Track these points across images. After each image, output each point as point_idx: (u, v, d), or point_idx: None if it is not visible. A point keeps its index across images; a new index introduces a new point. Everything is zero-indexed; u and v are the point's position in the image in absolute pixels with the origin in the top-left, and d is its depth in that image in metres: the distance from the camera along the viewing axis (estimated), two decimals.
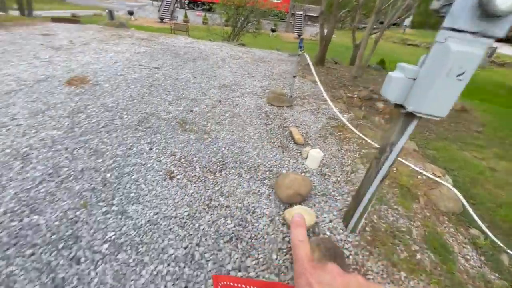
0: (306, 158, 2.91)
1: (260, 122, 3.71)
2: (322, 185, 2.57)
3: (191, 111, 3.74)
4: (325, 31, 8.05)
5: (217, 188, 2.34)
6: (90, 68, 4.78)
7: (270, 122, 3.76)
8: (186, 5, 30.83)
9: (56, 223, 1.78)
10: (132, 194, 2.10)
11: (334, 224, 2.08)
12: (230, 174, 2.57)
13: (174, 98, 4.06)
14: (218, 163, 2.69)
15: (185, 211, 2.04)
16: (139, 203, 2.03)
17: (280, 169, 2.74)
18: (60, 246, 1.66)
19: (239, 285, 0.41)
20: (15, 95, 3.45)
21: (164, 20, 25.90)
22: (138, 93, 4.02)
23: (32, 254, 1.59)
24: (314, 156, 2.76)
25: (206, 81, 4.99)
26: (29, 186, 2.04)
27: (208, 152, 2.85)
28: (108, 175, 2.26)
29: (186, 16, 27.04)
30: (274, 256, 1.76)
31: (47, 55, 5.16)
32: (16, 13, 14.89)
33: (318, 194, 2.44)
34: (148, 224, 1.88)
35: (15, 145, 2.49)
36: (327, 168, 2.88)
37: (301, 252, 0.34)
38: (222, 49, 8.36)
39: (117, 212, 1.93)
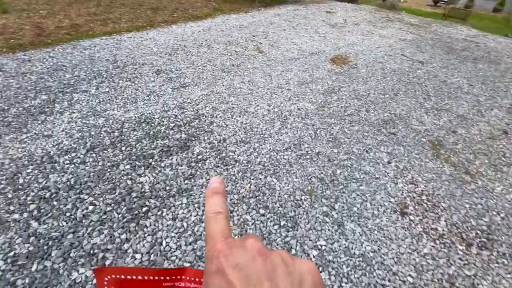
0: None
1: None
2: None
3: (454, 132, 2.72)
4: None
5: (467, 273, 1.51)
6: (353, 49, 4.72)
7: None
8: None
9: (285, 196, 1.87)
10: (355, 209, 1.81)
11: None
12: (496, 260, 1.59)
13: (433, 106, 3.14)
14: (479, 232, 1.76)
15: (408, 274, 1.48)
16: (358, 224, 1.71)
17: None
18: (282, 223, 1.73)
19: (132, 277, 0.29)
20: (294, 62, 4.05)
21: (438, 3, 21.63)
22: (392, 88, 3.47)
23: (262, 215, 1.77)
24: None
25: (489, 95, 3.47)
26: (279, 148, 2.30)
27: (466, 205, 1.93)
28: (338, 171, 2.09)
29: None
30: None
31: (324, 31, 5.68)
32: None
33: None
34: (359, 258, 1.53)
35: (282, 107, 2.90)
36: None
37: (214, 228, 0.25)
38: None
39: (335, 221, 1.73)
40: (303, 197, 1.86)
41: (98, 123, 2.43)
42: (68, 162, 2.01)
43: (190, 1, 7.88)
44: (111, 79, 3.16)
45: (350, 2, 9.16)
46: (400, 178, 2.09)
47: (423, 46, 5.21)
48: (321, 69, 3.86)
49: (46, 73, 3.22)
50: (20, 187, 1.81)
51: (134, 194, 1.80)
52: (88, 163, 2.01)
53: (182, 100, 2.86)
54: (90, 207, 1.70)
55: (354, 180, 2.03)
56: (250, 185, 1.93)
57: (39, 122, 2.41)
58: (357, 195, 1.91)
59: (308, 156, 2.24)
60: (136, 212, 1.70)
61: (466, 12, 16.27)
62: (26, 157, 2.04)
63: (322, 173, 2.08)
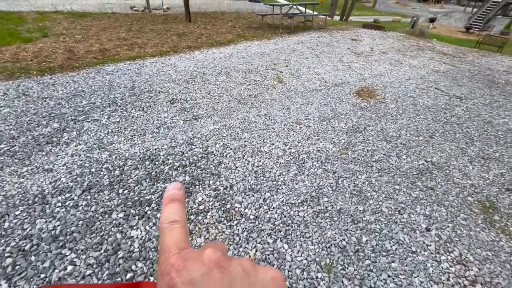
0: None
1: None
2: None
3: (509, 190, 2.23)
4: None
5: None
6: (381, 81, 4.37)
7: None
8: None
9: (297, 271, 1.51)
10: None
11: None
12: None
13: (479, 153, 2.67)
14: None
15: None
16: None
17: None
18: None
19: None
20: (315, 94, 3.78)
21: (471, 30, 20.72)
22: (427, 128, 3.05)
23: None
24: None
25: None
26: (293, 201, 1.97)
27: None
28: (365, 239, 1.71)
29: (509, 26, 19.82)
30: None
31: (349, 59, 5.40)
32: (337, 18, 18.09)
33: None
34: None
35: (299, 147, 2.60)
36: None
37: (168, 239, 0.22)
38: None
39: None
40: (319, 275, 1.49)
41: (101, 158, 2.27)
42: (60, 204, 1.83)
43: (215, 28, 8.05)
44: (124, 108, 3.07)
45: (376, 29, 8.90)
46: (444, 254, 1.65)
47: (459, 79, 4.74)
48: (344, 103, 3.54)
49: (65, 98, 3.21)
50: (3, 233, 1.63)
51: (121, 254, 1.54)
52: (81, 208, 1.81)
53: (192, 134, 2.66)
54: (69, 268, 1.46)
55: (384, 253, 1.63)
56: (256, 251, 1.60)
57: (44, 153, 2.30)
58: (389, 276, 1.51)
59: (327, 214, 1.88)
60: (119, 278, 1.44)
61: (502, 40, 15.35)
62: (20, 195, 1.89)
63: (344, 239, 1.70)
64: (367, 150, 2.60)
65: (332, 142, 2.69)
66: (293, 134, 2.80)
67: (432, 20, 23.00)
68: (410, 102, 3.69)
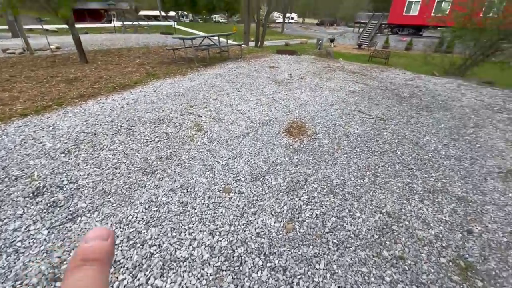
0: None
1: None
2: None
3: (470, 233, 1.99)
4: None
5: None
6: (307, 111, 4.15)
7: None
8: (389, 30, 28.07)
9: None
10: None
11: None
12: None
13: (424, 187, 2.47)
14: None
15: None
16: None
17: None
18: None
19: None
20: (243, 140, 3.20)
21: (362, 46, 24.76)
22: (368, 164, 2.78)
23: None
24: None
25: (470, 157, 2.99)
26: None
27: None
28: None
29: (387, 41, 24.47)
30: None
31: (272, 90, 5.14)
32: (253, 44, 18.95)
33: None
34: None
35: (231, 234, 1.88)
36: None
37: None
38: (461, 90, 5.77)
39: None
40: None
41: None
42: None
43: (120, 67, 6.95)
44: None
45: (290, 54, 9.30)
46: None
47: (374, 97, 4.96)
48: (277, 147, 3.05)
49: None
50: None
51: None
52: None
53: (59, 259, 1.65)
54: None
55: None
56: None
57: None
58: None
59: None
60: None
61: (386, 53, 18.54)
62: None
63: None
64: (316, 215, 2.07)
65: (273, 213, 2.08)
66: (221, 211, 2.08)
67: (332, 40, 26.60)
68: (341, 132, 3.47)
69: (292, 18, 65.81)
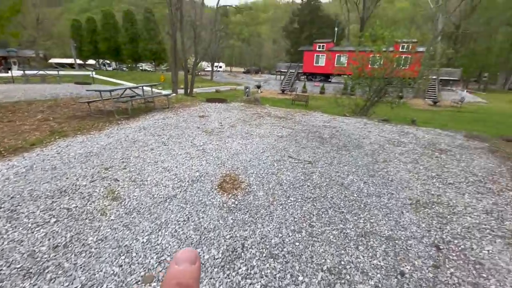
0: None
1: None
2: None
3: (402, 274, 2.05)
4: None
5: None
6: (240, 161, 4.09)
7: None
8: (305, 77, 32.77)
9: None
10: None
11: None
12: None
13: (356, 231, 2.55)
14: None
15: None
16: None
17: None
18: None
19: None
20: (169, 205, 2.82)
21: (285, 92, 27.92)
22: (303, 215, 2.76)
23: None
24: None
25: (386, 192, 3.34)
26: None
27: None
28: None
29: (304, 87, 28.35)
30: None
31: (202, 141, 4.98)
32: (182, 91, 19.05)
33: None
34: None
35: None
36: None
37: None
38: (368, 128, 6.82)
39: None
40: None
41: None
42: None
43: (13, 125, 5.74)
44: None
45: (220, 102, 9.58)
46: None
47: (300, 140, 5.33)
48: (209, 209, 2.78)
49: None
50: None
51: None
52: None
53: None
54: None
55: None
56: None
57: None
58: None
59: None
60: None
61: (306, 97, 21.21)
62: None
63: None
64: None
65: None
66: None
67: (258, 87, 29.20)
68: (274, 181, 3.47)
69: (221, 67, 70.58)
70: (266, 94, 27.03)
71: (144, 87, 8.12)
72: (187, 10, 23.16)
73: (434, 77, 23.26)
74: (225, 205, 2.87)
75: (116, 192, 3.02)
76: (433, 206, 3.03)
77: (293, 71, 31.81)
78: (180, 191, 3.11)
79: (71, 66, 40.07)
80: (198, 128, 5.92)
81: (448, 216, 2.83)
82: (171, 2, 13.90)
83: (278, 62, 44.81)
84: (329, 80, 31.60)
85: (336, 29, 37.58)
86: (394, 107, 11.77)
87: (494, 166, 4.39)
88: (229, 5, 20.35)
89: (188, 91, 16.36)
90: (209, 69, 45.33)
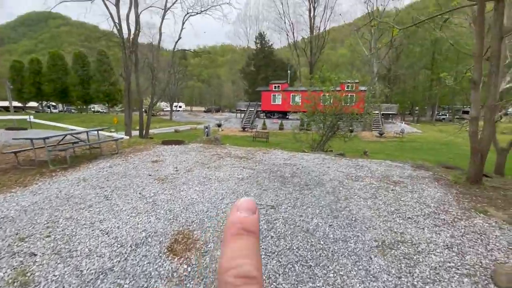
0: None
1: None
2: None
3: None
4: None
5: None
6: (195, 213, 3.66)
7: None
8: (264, 115, 34.18)
9: None
10: None
11: None
12: None
13: None
14: None
15: None
16: None
17: None
18: None
19: None
20: (102, 283, 2.23)
21: (246, 129, 28.47)
22: (268, 275, 2.41)
23: None
24: None
25: (352, 234, 3.20)
26: None
27: None
28: None
29: (264, 124, 29.37)
30: None
31: (153, 191, 4.45)
32: (137, 132, 18.03)
33: None
34: None
35: None
36: None
37: None
38: (326, 163, 6.98)
39: None
40: None
41: None
42: None
43: None
44: None
45: (177, 144, 9.13)
46: None
47: (262, 182, 5.13)
48: (155, 281, 2.27)
49: None
50: None
51: None
52: None
53: None
54: None
55: None
56: None
57: None
58: None
59: None
60: None
61: (266, 133, 21.75)
62: None
63: None
64: None
65: None
66: None
67: (219, 125, 29.37)
68: None
69: (181, 107, 70.36)
70: (228, 132, 27.20)
71: (92, 131, 7.37)
72: (144, 53, 23.27)
73: (376, 112, 26.18)
74: (175, 274, 2.38)
75: (29, 273, 2.34)
76: (399, 246, 2.95)
77: (253, 109, 33.08)
78: (119, 261, 2.55)
79: (6, 109, 36.01)
80: (150, 175, 5.37)
81: (415, 257, 2.75)
82: (125, 45, 13.78)
83: (238, 101, 46.52)
84: (287, 117, 33.40)
85: (289, 71, 41.18)
86: (347, 140, 12.59)
87: (442, 195, 4.67)
88: (187, 50, 21.00)
89: (144, 133, 15.53)
90: (168, 109, 44.79)
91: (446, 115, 50.54)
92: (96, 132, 7.92)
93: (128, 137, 13.40)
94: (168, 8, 15.82)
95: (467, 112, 49.30)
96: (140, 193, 4.32)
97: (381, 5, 34.95)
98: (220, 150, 8.58)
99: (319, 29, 47.71)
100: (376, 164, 7.08)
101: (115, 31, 13.48)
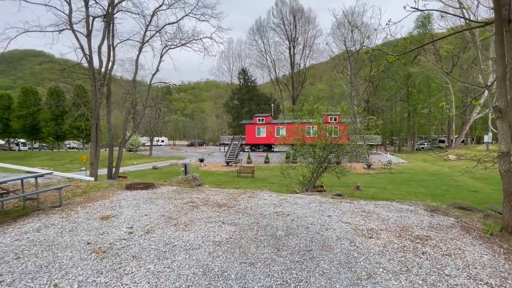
0: None
1: None
2: None
3: None
4: None
5: None
6: None
7: None
8: (249, 148, 33.15)
9: None
10: None
11: None
12: None
13: None
14: None
15: None
16: None
17: None
18: None
19: None
20: None
21: (230, 164, 27.03)
22: None
23: None
24: None
25: None
26: None
27: None
28: None
29: (249, 157, 28.16)
30: None
31: (79, 278, 2.88)
32: (105, 171, 16.10)
33: None
34: None
35: None
36: None
37: None
38: (326, 210, 5.69)
39: None
40: None
41: None
42: None
43: None
44: None
45: (144, 189, 7.56)
46: None
47: (246, 248, 3.71)
48: None
49: None
50: None
51: None
52: None
53: None
54: None
55: None
56: None
57: None
58: None
59: None
60: None
61: (251, 168, 20.36)
62: None
63: None
64: None
65: None
66: None
67: (201, 160, 27.76)
68: None
69: (163, 141, 68.32)
70: (211, 167, 25.60)
71: (22, 180, 5.73)
72: (122, 86, 22.24)
73: (362, 143, 25.93)
74: None
75: None
76: None
77: (237, 142, 32.07)
78: None
79: None
80: (89, 244, 3.79)
81: None
82: (95, 77, 12.63)
83: (222, 134, 45.62)
84: (272, 149, 32.55)
85: (272, 105, 41.52)
86: (339, 176, 11.52)
87: (490, 258, 3.46)
88: (171, 84, 20.11)
89: (113, 173, 13.70)
90: (148, 143, 42.86)
91: (425, 144, 52.11)
92: (37, 178, 6.26)
93: (92, 179, 11.58)
94: (146, 41, 15.24)
95: (443, 141, 51.16)
96: (54, 286, 2.74)
97: (357, 44, 37.24)
98: (196, 194, 7.11)
99: (299, 65, 49.90)
100: (384, 209, 5.88)
101: (85, 62, 12.43)
